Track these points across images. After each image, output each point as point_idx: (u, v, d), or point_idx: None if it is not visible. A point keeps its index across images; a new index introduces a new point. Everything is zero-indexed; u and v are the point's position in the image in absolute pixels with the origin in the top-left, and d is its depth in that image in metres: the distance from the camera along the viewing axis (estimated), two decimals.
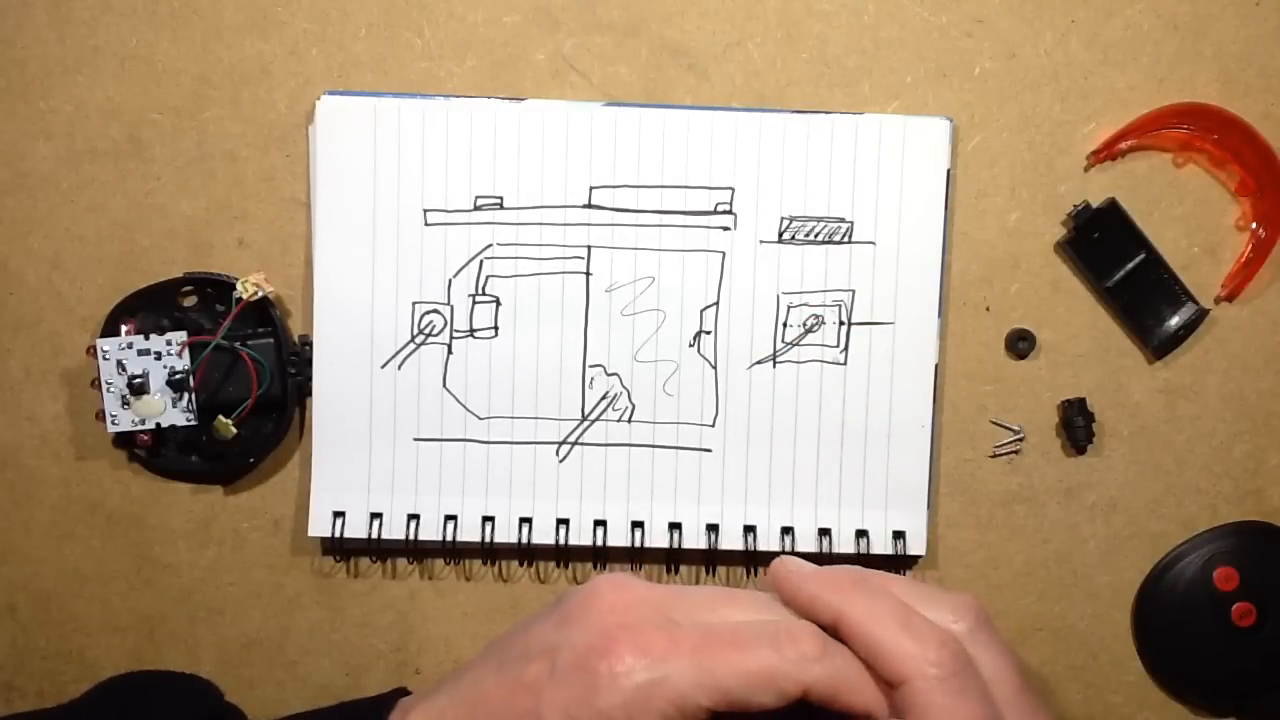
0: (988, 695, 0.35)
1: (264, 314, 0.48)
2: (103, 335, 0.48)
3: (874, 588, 0.37)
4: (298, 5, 0.48)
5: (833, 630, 0.36)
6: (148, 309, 0.48)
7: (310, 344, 0.48)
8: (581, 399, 0.49)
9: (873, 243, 0.48)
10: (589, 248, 0.48)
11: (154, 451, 0.49)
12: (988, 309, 0.49)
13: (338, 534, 0.48)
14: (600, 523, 0.49)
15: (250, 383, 0.47)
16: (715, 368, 0.49)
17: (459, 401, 0.48)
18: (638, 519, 0.49)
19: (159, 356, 0.47)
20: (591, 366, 0.48)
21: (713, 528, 0.49)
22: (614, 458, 0.49)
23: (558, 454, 0.49)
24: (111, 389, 0.47)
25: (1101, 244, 0.48)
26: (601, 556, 0.49)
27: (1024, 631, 0.50)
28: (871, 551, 0.49)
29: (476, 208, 0.48)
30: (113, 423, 0.47)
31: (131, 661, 0.50)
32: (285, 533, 0.50)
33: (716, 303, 0.48)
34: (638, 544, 0.49)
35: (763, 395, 0.49)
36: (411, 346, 0.48)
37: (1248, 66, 0.49)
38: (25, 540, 0.50)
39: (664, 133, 0.48)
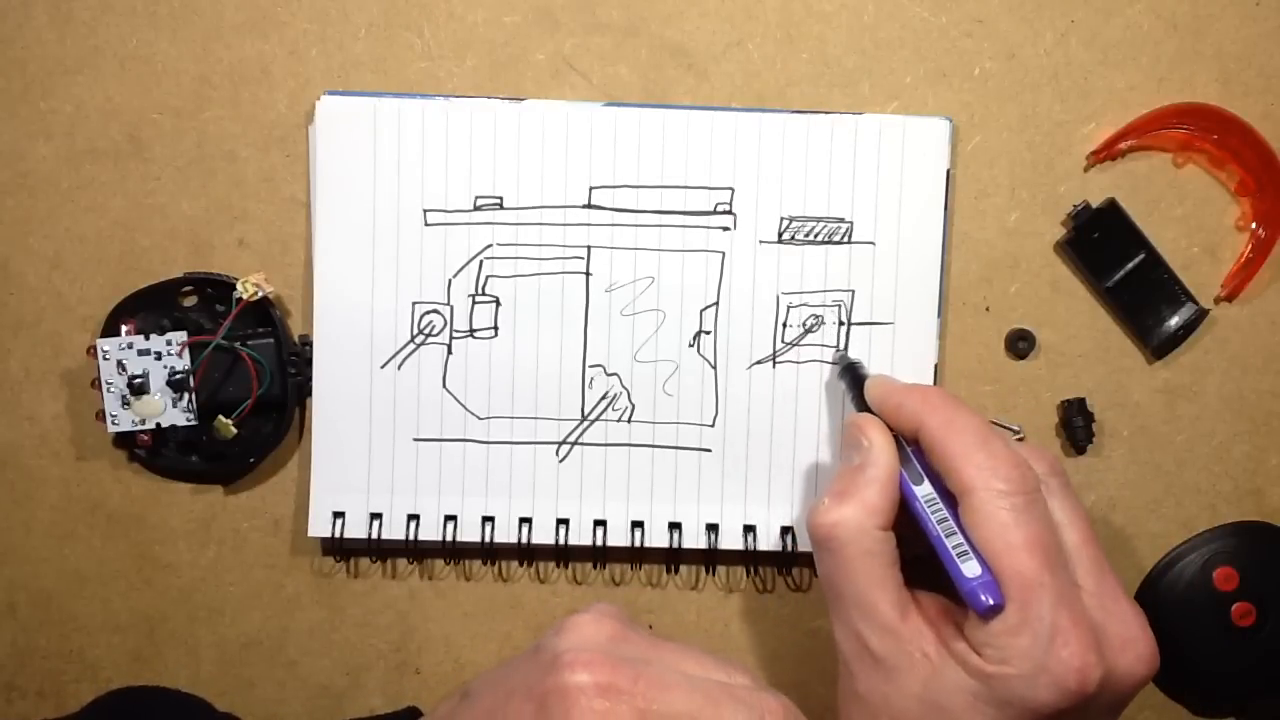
0: (1052, 527, 0.37)
1: (264, 314, 0.48)
2: (103, 335, 0.48)
3: (959, 406, 0.39)
4: (298, 5, 0.48)
5: (913, 439, 0.39)
6: (148, 309, 0.48)
7: (310, 344, 0.48)
8: (581, 399, 0.49)
9: (872, 243, 0.48)
10: (589, 248, 0.48)
11: (154, 451, 0.48)
12: (988, 309, 0.49)
13: (338, 534, 0.48)
14: (600, 523, 0.49)
15: (250, 383, 0.47)
16: (715, 368, 0.49)
17: (459, 401, 0.48)
18: (637, 519, 0.49)
19: (159, 356, 0.47)
20: (591, 366, 0.48)
21: (712, 528, 0.49)
22: (614, 458, 0.49)
23: (558, 454, 0.49)
24: (111, 389, 0.47)
25: (1101, 244, 0.48)
26: (601, 556, 0.49)
27: None
28: None
29: (476, 208, 0.48)
30: (113, 423, 0.47)
31: (131, 661, 0.50)
32: (285, 533, 0.50)
33: (716, 303, 0.48)
34: (637, 544, 0.49)
35: (762, 395, 0.49)
36: (411, 346, 0.48)
37: (1248, 66, 0.49)
38: (25, 540, 0.50)
39: (664, 133, 0.48)
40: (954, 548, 0.37)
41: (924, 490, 0.39)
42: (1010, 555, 0.35)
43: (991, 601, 0.35)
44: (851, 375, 0.46)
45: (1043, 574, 0.35)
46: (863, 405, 0.43)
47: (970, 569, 0.36)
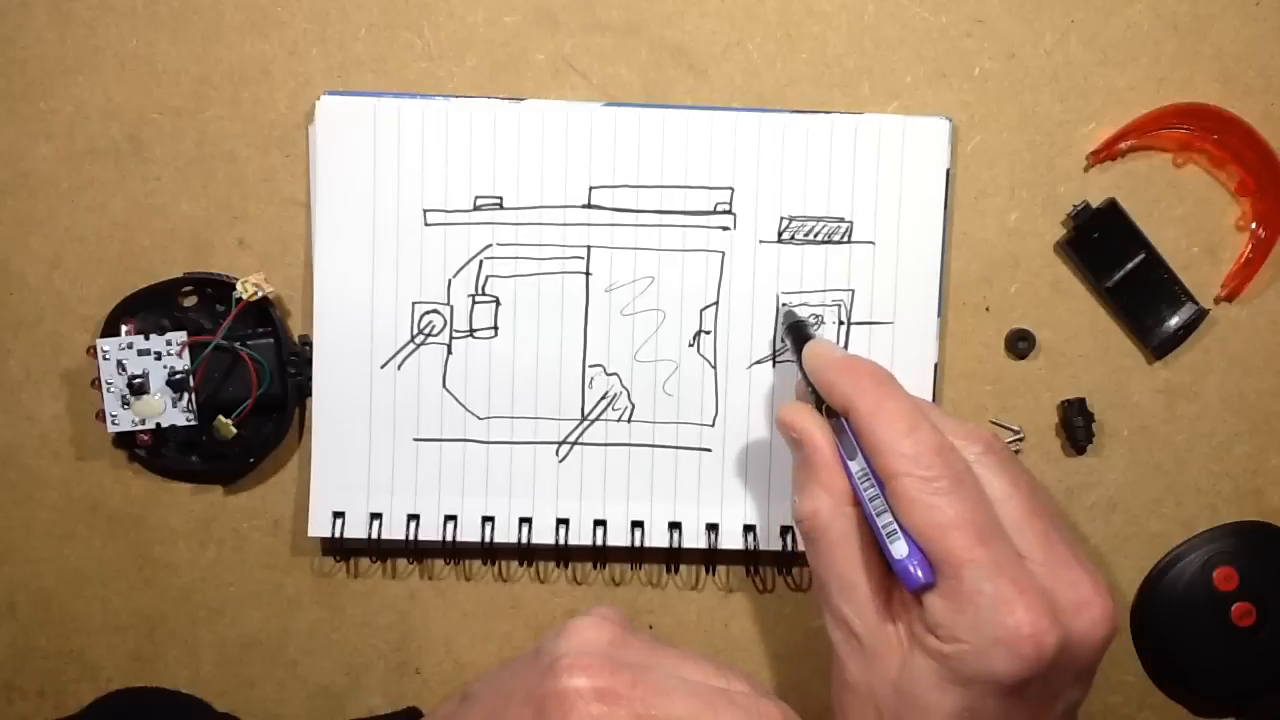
0: (984, 504, 0.36)
1: (264, 314, 0.48)
2: (103, 335, 0.48)
3: (887, 390, 0.39)
4: (298, 5, 0.48)
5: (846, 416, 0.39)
6: (148, 309, 0.48)
7: (310, 344, 0.48)
8: (581, 399, 0.49)
9: (872, 243, 0.48)
10: (589, 248, 0.48)
11: (154, 451, 0.49)
12: (988, 309, 0.49)
13: (338, 534, 0.48)
14: (600, 522, 0.49)
15: (250, 383, 0.47)
16: (715, 367, 0.49)
17: (459, 401, 0.48)
18: (637, 519, 0.49)
19: (159, 356, 0.47)
20: (591, 366, 0.48)
21: (712, 527, 0.49)
22: (614, 458, 0.49)
23: (557, 454, 0.49)
24: (111, 389, 0.47)
25: (1101, 244, 0.48)
26: (601, 556, 0.49)
27: None
28: None
29: (476, 208, 0.48)
30: (113, 423, 0.47)
31: (131, 661, 0.50)
32: (285, 533, 0.50)
33: (716, 302, 0.48)
34: (637, 544, 0.49)
35: (762, 395, 0.49)
36: (411, 346, 0.48)
37: (1248, 66, 0.49)
38: (25, 540, 0.50)
39: (664, 133, 0.48)
40: (884, 526, 0.37)
41: (856, 466, 0.39)
42: (938, 536, 0.35)
43: (921, 577, 0.35)
44: (796, 334, 0.45)
45: (974, 550, 0.35)
46: (802, 367, 0.42)
47: (899, 549, 0.36)
